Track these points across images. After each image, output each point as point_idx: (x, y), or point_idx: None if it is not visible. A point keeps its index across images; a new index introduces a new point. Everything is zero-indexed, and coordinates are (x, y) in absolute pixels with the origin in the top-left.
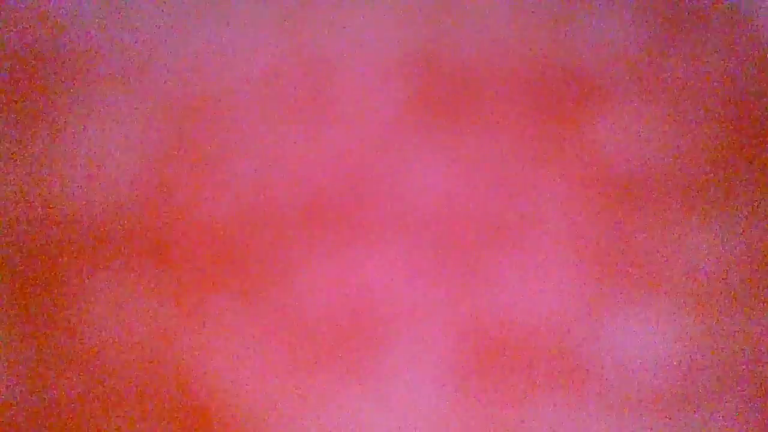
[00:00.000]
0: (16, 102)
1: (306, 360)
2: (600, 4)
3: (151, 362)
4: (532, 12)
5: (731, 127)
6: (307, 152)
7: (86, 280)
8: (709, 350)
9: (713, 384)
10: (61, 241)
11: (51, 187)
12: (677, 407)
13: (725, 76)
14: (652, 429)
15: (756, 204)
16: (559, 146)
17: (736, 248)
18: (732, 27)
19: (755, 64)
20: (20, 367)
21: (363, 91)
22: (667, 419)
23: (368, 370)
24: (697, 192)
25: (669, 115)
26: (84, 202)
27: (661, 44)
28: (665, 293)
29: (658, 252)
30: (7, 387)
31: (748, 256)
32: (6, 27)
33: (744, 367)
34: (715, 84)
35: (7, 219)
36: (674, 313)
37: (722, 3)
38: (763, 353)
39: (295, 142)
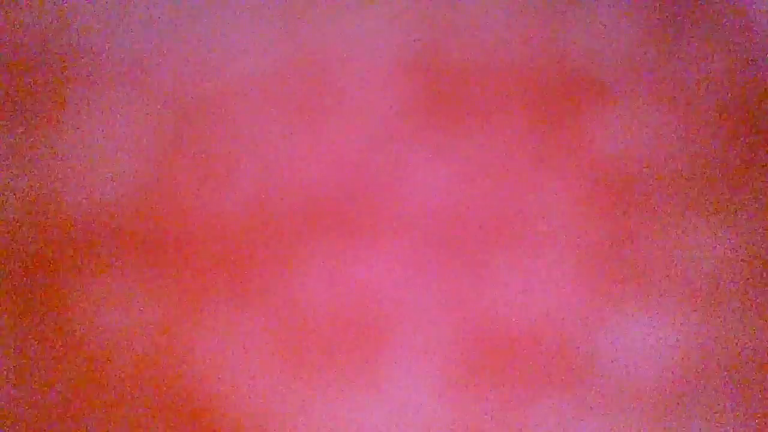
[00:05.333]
0: (16, 102)
1: (306, 360)
2: (600, 4)
3: (151, 362)
4: (533, 12)
5: (731, 127)
6: (307, 152)
7: (85, 280)
8: (709, 350)
9: (713, 384)
10: (61, 240)
11: (51, 187)
12: (677, 407)
13: (725, 76)
14: (652, 429)
15: (756, 204)
16: (560, 146)
17: (736, 248)
18: (732, 27)
19: (755, 64)
20: (19, 366)
21: (363, 91)
22: (667, 419)
23: (368, 370)
24: (697, 192)
25: (669, 115)
26: (84, 202)
27: (661, 44)
28: (665, 293)
29: (658, 252)
30: (6, 386)
31: (748, 256)
32: (6, 26)
33: (744, 367)
34: (715, 84)
35: (7, 219)
36: (674, 314)
37: (722, 3)
38: (764, 353)
39: (295, 142)
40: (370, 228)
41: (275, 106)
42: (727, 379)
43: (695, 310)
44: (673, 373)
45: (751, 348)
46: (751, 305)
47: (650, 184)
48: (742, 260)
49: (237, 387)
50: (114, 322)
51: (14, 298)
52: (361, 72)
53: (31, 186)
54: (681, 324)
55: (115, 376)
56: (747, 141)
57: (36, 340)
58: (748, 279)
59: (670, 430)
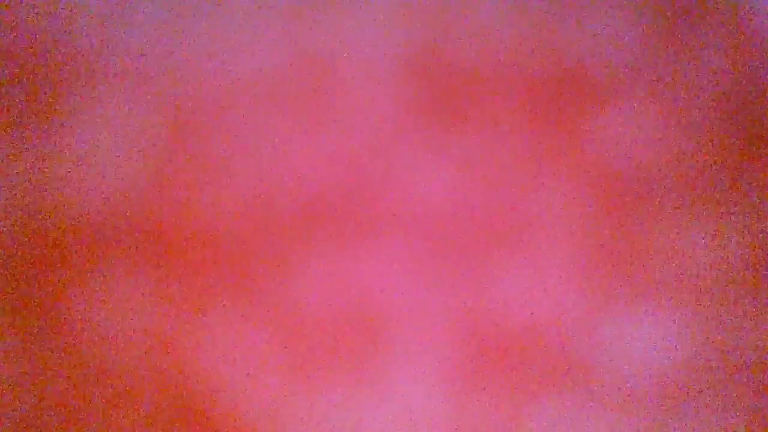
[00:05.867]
0: (16, 102)
1: (305, 360)
2: (600, 4)
3: (151, 362)
4: (533, 12)
5: (731, 127)
6: (307, 152)
7: (86, 280)
8: (708, 350)
9: (713, 384)
10: (61, 240)
11: (51, 186)
12: (677, 407)
13: (725, 76)
14: (651, 429)
15: (756, 204)
16: (559, 146)
17: (735, 249)
18: (732, 27)
19: (755, 64)
20: (20, 367)
21: (363, 91)
22: (667, 419)
23: (368, 370)
24: (697, 192)
25: (669, 115)
26: (84, 203)
27: (661, 44)
28: (665, 294)
29: (657, 252)
30: (7, 386)
31: (748, 257)
32: (6, 27)
33: (744, 367)
34: (715, 84)
35: (7, 219)
36: (674, 314)
37: (722, 3)
38: (763, 353)
39: (295, 142)
40: (369, 228)
41: (275, 106)
42: (727, 379)
43: (695, 311)
44: (672, 373)
45: (751, 348)
46: (751, 305)
47: (650, 184)
48: (742, 260)
49: (237, 386)
50: (114, 322)
51: (14, 298)
52: (361, 72)
53: (32, 186)
54: (681, 324)
55: (115, 376)
56: (747, 141)
57: (35, 340)
58: (748, 279)
59: (670, 430)
